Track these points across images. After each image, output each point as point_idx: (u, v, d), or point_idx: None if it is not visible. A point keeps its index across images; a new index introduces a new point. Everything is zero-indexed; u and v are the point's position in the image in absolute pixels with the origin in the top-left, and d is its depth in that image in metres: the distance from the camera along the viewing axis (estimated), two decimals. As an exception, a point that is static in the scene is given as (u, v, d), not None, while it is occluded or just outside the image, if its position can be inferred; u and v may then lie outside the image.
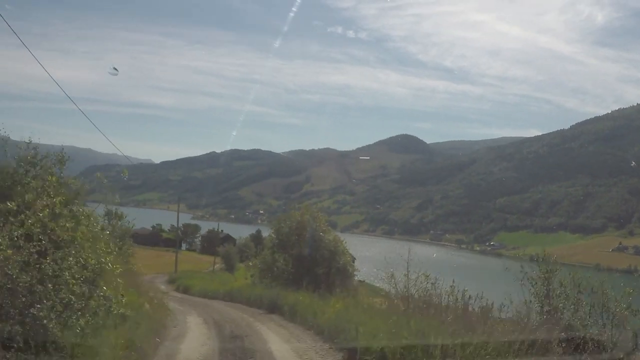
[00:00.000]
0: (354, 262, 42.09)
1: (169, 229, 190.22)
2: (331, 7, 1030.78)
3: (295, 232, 39.14)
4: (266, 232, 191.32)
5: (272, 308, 32.01)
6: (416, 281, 23.74)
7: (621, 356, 15.45)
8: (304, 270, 37.15)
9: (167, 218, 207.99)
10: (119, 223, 40.69)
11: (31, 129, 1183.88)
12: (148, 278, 71.30)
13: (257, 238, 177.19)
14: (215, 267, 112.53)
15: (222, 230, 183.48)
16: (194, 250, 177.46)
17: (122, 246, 37.64)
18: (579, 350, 15.55)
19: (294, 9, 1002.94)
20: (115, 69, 35.63)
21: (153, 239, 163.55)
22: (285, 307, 29.51)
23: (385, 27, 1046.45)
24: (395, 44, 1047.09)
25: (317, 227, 38.65)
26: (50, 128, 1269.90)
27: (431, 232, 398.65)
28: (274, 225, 42.41)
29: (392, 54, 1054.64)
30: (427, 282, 23.20)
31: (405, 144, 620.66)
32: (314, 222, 39.01)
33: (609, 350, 15.59)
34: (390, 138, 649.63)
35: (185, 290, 51.97)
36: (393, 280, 24.38)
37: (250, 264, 60.22)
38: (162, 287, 57.19)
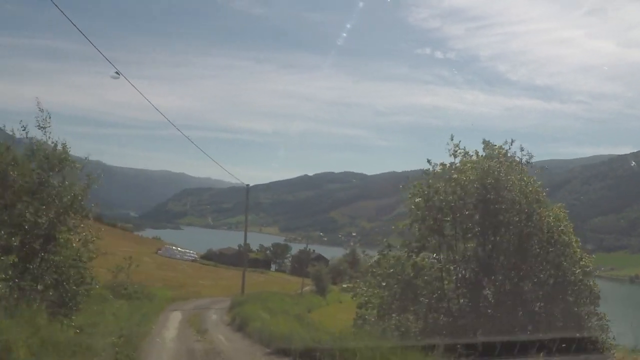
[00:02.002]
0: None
1: (257, 249, 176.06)
2: (419, 28, 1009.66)
3: (475, 195, 18.27)
4: (362, 253, 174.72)
5: None
6: None
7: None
8: (496, 290, 15.88)
9: (258, 240, 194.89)
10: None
11: (126, 155, 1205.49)
12: (207, 302, 51.45)
13: (351, 258, 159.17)
14: (304, 289, 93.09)
15: (313, 250, 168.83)
16: (283, 271, 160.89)
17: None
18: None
19: (382, 31, 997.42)
20: (117, 72, 29.29)
21: (240, 259, 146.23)
22: None
23: (473, 47, 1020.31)
24: (484, 64, 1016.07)
25: (522, 192, 17.64)
26: (145, 154, 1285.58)
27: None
28: (415, 190, 21.14)
29: (481, 74, 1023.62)
30: None
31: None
32: (517, 180, 18.06)
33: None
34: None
35: (242, 326, 29.98)
36: None
37: (360, 280, 36.30)
38: (214, 316, 37.27)
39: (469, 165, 20.17)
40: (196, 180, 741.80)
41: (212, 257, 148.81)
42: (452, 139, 21.99)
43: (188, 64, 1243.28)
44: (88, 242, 20.27)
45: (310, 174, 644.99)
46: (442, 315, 18.42)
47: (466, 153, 21.42)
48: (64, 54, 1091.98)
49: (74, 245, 19.59)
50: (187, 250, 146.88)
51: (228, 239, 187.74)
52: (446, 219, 19.91)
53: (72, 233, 19.56)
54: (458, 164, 21.59)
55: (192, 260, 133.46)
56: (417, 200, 20.81)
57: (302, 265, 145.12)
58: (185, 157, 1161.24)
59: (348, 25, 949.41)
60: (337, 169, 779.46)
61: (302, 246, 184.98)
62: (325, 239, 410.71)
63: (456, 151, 21.46)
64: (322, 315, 66.03)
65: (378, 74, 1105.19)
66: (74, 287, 18.43)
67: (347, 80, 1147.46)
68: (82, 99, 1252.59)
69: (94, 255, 20.74)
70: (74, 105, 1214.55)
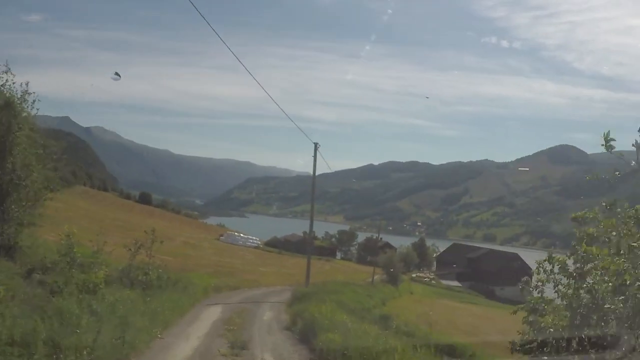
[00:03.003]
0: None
1: (322, 237, 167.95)
2: (484, 17, 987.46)
3: None
4: (429, 242, 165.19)
5: None
6: None
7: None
8: None
9: (323, 228, 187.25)
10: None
11: (192, 144, 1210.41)
12: (262, 292, 41.44)
13: (420, 247, 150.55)
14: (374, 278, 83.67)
15: (381, 238, 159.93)
16: (349, 260, 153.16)
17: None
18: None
19: (447, 20, 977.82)
20: (117, 74, 29.97)
21: (304, 246, 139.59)
22: None
23: (539, 35, 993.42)
24: (550, 53, 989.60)
25: None
26: (211, 143, 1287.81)
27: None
28: None
29: (547, 63, 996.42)
30: None
31: (564, 154, 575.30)
32: None
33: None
34: (550, 149, 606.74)
35: (308, 334, 19.11)
36: None
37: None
38: (267, 314, 27.14)
39: None
40: (261, 168, 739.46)
41: (276, 244, 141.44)
42: None
43: (252, 54, 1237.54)
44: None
45: (376, 163, 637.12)
46: None
47: None
48: (128, 45, 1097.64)
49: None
50: (250, 237, 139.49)
51: (293, 227, 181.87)
52: None
53: None
54: None
55: (255, 247, 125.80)
56: None
57: (369, 253, 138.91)
58: (251, 146, 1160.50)
59: (412, 15, 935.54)
60: (403, 158, 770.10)
61: (367, 235, 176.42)
62: (391, 228, 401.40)
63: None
64: (397, 308, 56.65)
65: (443, 63, 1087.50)
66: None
67: (411, 69, 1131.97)
68: (148, 88, 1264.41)
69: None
70: (140, 96, 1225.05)
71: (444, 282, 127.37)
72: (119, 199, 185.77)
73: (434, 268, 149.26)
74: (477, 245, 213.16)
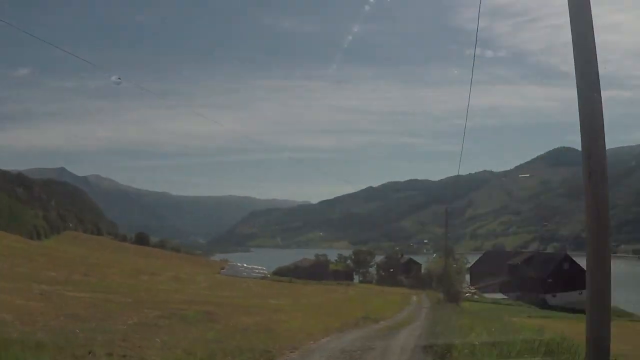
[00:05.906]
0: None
1: (335, 260, 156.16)
2: (465, 29, 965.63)
3: None
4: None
5: None
6: None
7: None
8: None
9: (332, 255, 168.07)
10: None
11: (191, 184, 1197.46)
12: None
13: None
14: (412, 298, 63.82)
15: (402, 255, 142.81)
16: (369, 282, 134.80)
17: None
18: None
19: (430, 37, 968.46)
20: (119, 78, 26.37)
21: (318, 271, 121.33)
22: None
23: (523, 42, 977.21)
24: (536, 58, 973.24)
25: None
26: (209, 181, 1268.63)
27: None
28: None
29: (534, 69, 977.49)
30: None
31: (563, 156, 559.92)
32: None
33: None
34: (548, 152, 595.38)
35: None
36: None
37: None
38: None
39: None
40: (263, 202, 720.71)
41: (286, 273, 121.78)
42: None
43: (240, 89, 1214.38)
44: None
45: (375, 185, 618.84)
46: None
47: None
48: (118, 92, 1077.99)
49: None
50: (255, 267, 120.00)
51: (300, 257, 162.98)
52: None
53: None
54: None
55: (262, 278, 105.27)
56: None
57: (391, 273, 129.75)
58: (250, 180, 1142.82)
59: (394, 34, 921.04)
60: (402, 177, 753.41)
61: (377, 258, 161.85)
62: (398, 248, 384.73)
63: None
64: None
65: (430, 79, 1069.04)
66: None
67: (400, 89, 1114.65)
68: (141, 133, 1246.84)
69: None
70: (134, 141, 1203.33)
71: (487, 295, 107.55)
72: (114, 242, 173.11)
73: (467, 281, 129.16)
74: (511, 250, 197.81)
